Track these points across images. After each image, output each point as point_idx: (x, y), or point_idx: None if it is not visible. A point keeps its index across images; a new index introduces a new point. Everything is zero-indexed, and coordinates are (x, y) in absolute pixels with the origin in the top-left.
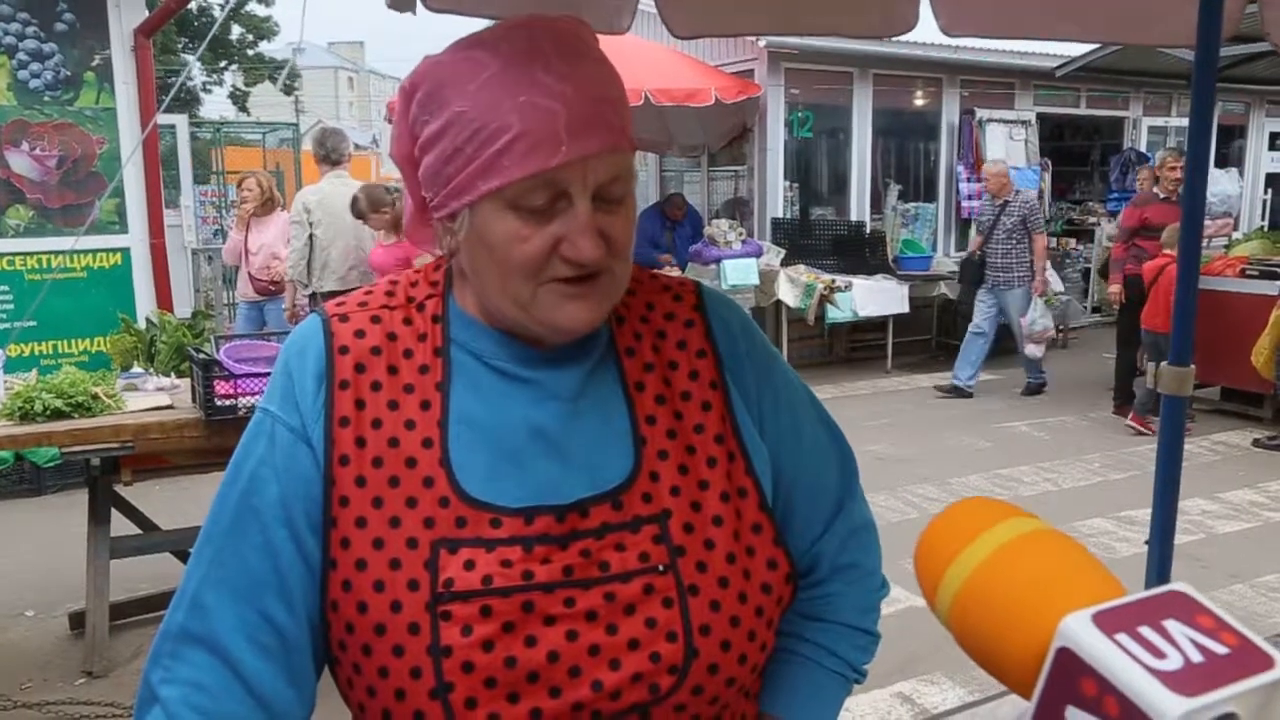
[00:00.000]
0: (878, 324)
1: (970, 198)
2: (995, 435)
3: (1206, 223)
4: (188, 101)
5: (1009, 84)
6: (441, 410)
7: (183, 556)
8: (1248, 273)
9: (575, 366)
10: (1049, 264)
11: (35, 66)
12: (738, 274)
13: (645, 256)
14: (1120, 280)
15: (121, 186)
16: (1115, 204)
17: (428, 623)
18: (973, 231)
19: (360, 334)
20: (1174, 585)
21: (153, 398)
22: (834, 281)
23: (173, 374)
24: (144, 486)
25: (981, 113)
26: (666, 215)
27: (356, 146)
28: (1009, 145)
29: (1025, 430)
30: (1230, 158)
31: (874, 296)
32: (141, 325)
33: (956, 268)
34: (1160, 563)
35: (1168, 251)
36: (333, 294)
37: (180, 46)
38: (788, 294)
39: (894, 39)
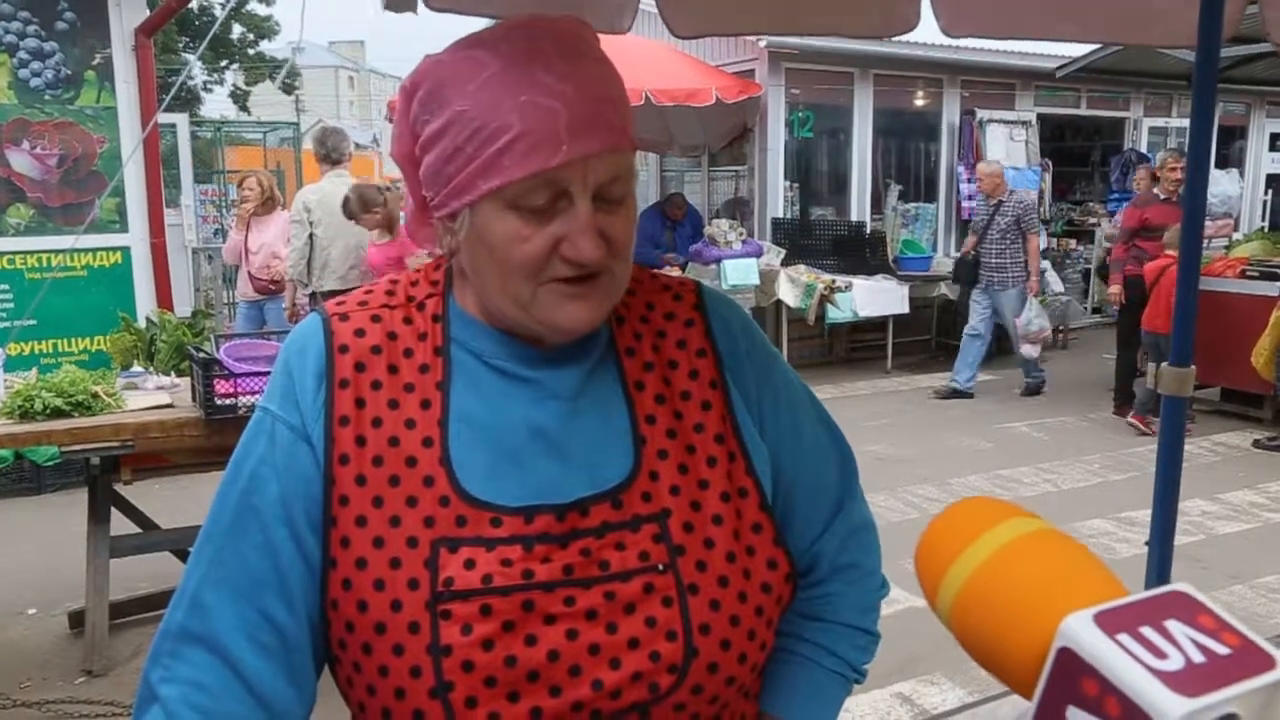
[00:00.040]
0: (878, 324)
1: (970, 198)
2: (995, 436)
3: (1207, 223)
4: (188, 100)
5: (1009, 84)
6: (442, 409)
7: (182, 555)
8: (1248, 274)
9: (575, 366)
10: (1047, 264)
11: (36, 65)
12: (738, 274)
13: (646, 256)
14: (1120, 281)
15: (122, 185)
16: (1115, 204)
17: (428, 622)
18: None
19: (360, 333)
20: (1175, 585)
21: (153, 397)
22: (834, 282)
23: (173, 373)
24: (144, 485)
25: (982, 113)
26: (667, 215)
27: (357, 146)
28: (1009, 146)
29: (1025, 431)
30: (1231, 158)
31: (874, 297)
32: (141, 324)
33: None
34: (1160, 563)
35: (1169, 252)
36: (333, 293)
37: (181, 46)
38: (788, 294)
39: (894, 39)
